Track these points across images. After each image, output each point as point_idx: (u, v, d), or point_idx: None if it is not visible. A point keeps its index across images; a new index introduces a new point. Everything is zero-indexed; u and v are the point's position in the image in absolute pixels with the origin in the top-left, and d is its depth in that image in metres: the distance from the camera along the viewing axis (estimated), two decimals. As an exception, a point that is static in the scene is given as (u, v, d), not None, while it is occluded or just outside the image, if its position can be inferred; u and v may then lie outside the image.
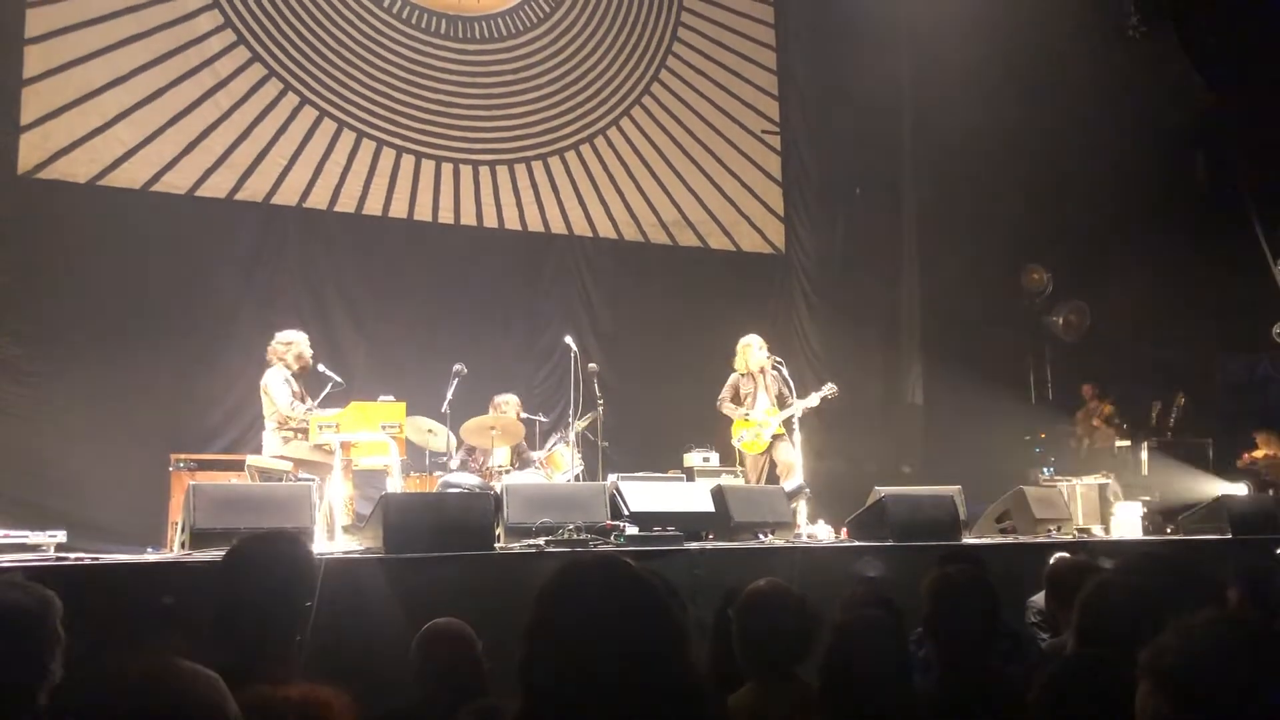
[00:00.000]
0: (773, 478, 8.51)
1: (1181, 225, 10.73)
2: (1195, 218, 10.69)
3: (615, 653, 1.55)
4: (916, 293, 12.47)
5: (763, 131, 12.09)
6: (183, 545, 5.39)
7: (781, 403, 8.63)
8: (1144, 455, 10.24)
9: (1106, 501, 9.07)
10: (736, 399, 8.74)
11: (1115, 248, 11.15)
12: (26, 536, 5.92)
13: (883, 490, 7.41)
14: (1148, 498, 9.07)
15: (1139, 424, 10.85)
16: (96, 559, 5.14)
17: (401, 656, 3.26)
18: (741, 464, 8.86)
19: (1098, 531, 8.29)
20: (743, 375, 8.74)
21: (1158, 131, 10.88)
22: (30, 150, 8.67)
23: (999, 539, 7.49)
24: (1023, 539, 7.41)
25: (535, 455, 8.74)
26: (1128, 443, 10.39)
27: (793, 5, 12.38)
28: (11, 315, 8.44)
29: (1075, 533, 7.85)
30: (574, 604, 1.61)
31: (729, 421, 8.78)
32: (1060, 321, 12.01)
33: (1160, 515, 8.70)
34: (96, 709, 1.37)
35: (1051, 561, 4.69)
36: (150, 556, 5.75)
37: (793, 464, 8.42)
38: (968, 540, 7.04)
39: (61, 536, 5.99)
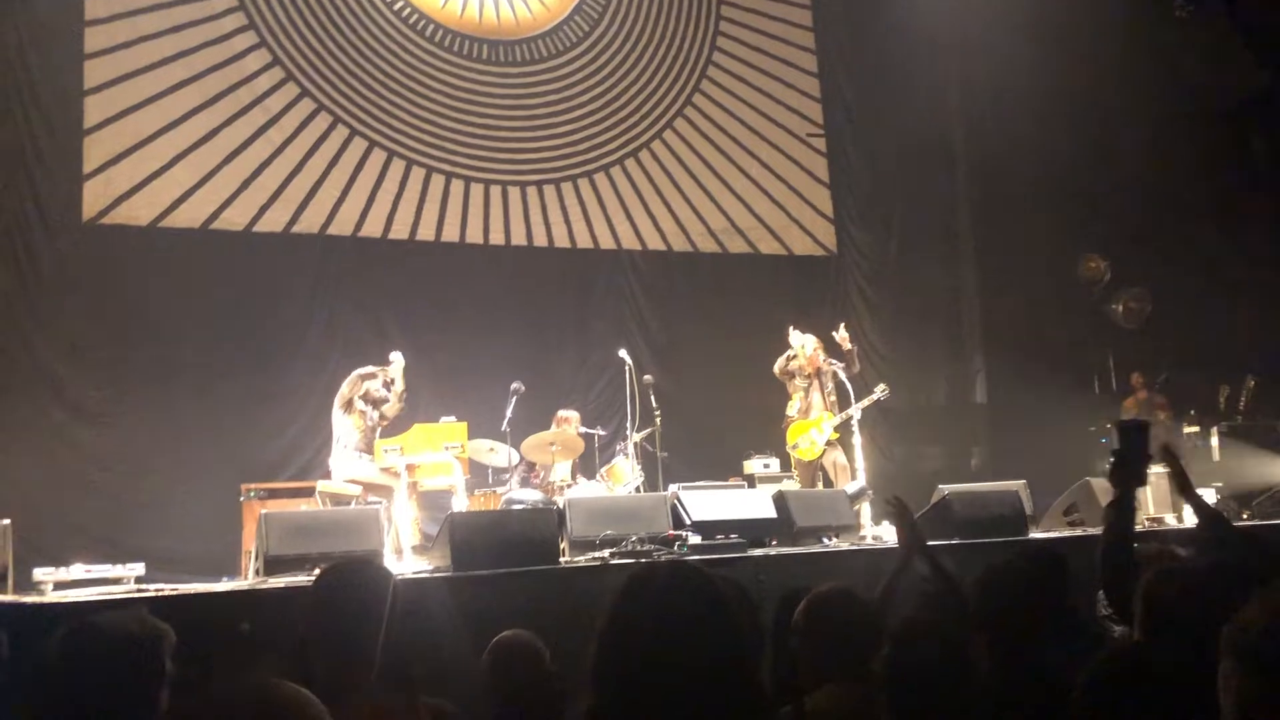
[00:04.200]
0: (827, 484, 8.47)
1: (1241, 204, 10.52)
2: (1254, 196, 10.47)
3: (683, 656, 1.58)
4: (975, 287, 12.36)
5: (807, 135, 12.08)
6: (257, 572, 5.51)
7: (835, 407, 8.60)
8: (1214, 441, 10.02)
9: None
10: (789, 378, 8.70)
11: (1174, 231, 10.96)
12: (108, 570, 6.11)
13: (946, 488, 7.34)
14: (1220, 484, 8.87)
15: (1208, 409, 10.63)
16: (175, 589, 5.27)
17: (472, 672, 3.31)
18: (794, 470, 8.81)
19: (1170, 520, 8.12)
20: (798, 373, 8.68)
21: (1212, 112, 10.69)
22: (94, 198, 8.94)
23: (1067, 532, 7.38)
24: (1091, 531, 7.30)
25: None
26: (1196, 428, 10.18)
27: (831, 6, 12.36)
28: (84, 360, 8.70)
29: (1146, 522, 7.70)
30: (645, 608, 1.65)
31: (786, 427, 8.74)
32: (1121, 309, 11.82)
33: (1234, 501, 8.51)
34: None
35: None
36: (226, 585, 5.88)
37: (847, 468, 8.38)
38: (1035, 535, 6.95)
39: (140, 569, 6.17)
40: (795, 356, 8.68)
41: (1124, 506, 3.23)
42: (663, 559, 5.47)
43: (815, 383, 8.68)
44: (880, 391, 8.60)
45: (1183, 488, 3.76)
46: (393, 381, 7.99)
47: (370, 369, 7.90)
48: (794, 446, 8.66)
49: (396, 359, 8.05)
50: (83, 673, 2.16)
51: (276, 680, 1.47)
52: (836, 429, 8.55)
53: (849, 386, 8.57)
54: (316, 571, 5.07)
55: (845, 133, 12.22)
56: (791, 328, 8.82)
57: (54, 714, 2.16)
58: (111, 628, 2.28)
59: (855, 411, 8.44)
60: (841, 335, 8.72)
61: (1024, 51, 10.93)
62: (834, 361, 8.70)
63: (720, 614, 1.65)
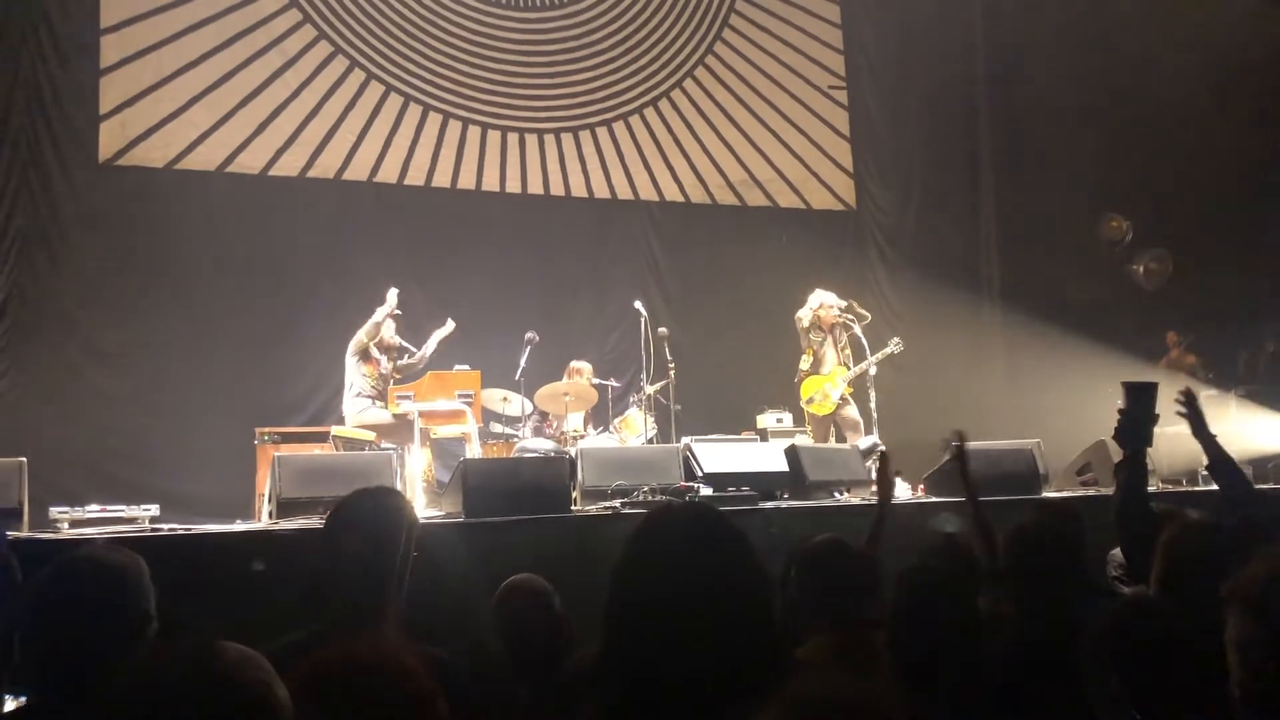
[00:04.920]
0: (840, 439, 8.45)
1: (1266, 165, 10.35)
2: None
3: (700, 596, 1.56)
4: (995, 244, 12.25)
5: (829, 87, 11.92)
6: (270, 515, 5.55)
7: (849, 362, 8.56)
8: (1231, 405, 9.96)
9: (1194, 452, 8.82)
10: (807, 341, 8.65)
11: (1198, 192, 10.79)
12: (122, 510, 6.17)
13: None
14: (1236, 447, 8.81)
15: (1226, 372, 10.55)
16: (189, 530, 5.31)
17: (483, 617, 3.33)
18: (807, 424, 8.79)
19: (1185, 483, 8.10)
20: (814, 328, 8.63)
21: (1242, 70, 10.49)
22: (110, 138, 8.91)
23: (1080, 492, 7.36)
24: (1105, 491, 7.26)
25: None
26: (1214, 392, 10.10)
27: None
28: (100, 301, 8.74)
29: (1160, 484, 7.68)
30: (662, 545, 1.63)
31: (799, 382, 8.71)
32: (1141, 270, 11.70)
33: (1250, 465, 8.46)
34: (139, 695, 1.38)
35: None
36: (239, 526, 5.93)
37: (859, 424, 8.35)
38: (1048, 494, 6.93)
39: (154, 510, 6.23)
40: (814, 327, 8.61)
41: (1136, 466, 3.20)
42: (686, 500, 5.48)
43: (829, 338, 8.63)
44: (894, 345, 8.55)
45: (1200, 434, 3.59)
46: (398, 315, 7.94)
47: (380, 314, 7.87)
48: (808, 401, 8.63)
49: (392, 296, 7.98)
50: (67, 604, 2.19)
51: (221, 640, 1.45)
52: (851, 384, 8.52)
53: (864, 341, 8.51)
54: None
55: (867, 86, 12.06)
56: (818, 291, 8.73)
57: (45, 646, 2.19)
58: (93, 557, 2.31)
59: (870, 366, 8.40)
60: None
61: (1051, 7, 10.74)
62: (848, 316, 8.64)
63: (738, 554, 1.63)
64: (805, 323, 8.63)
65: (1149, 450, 3.50)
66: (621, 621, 1.60)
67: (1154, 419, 3.32)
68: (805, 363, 8.67)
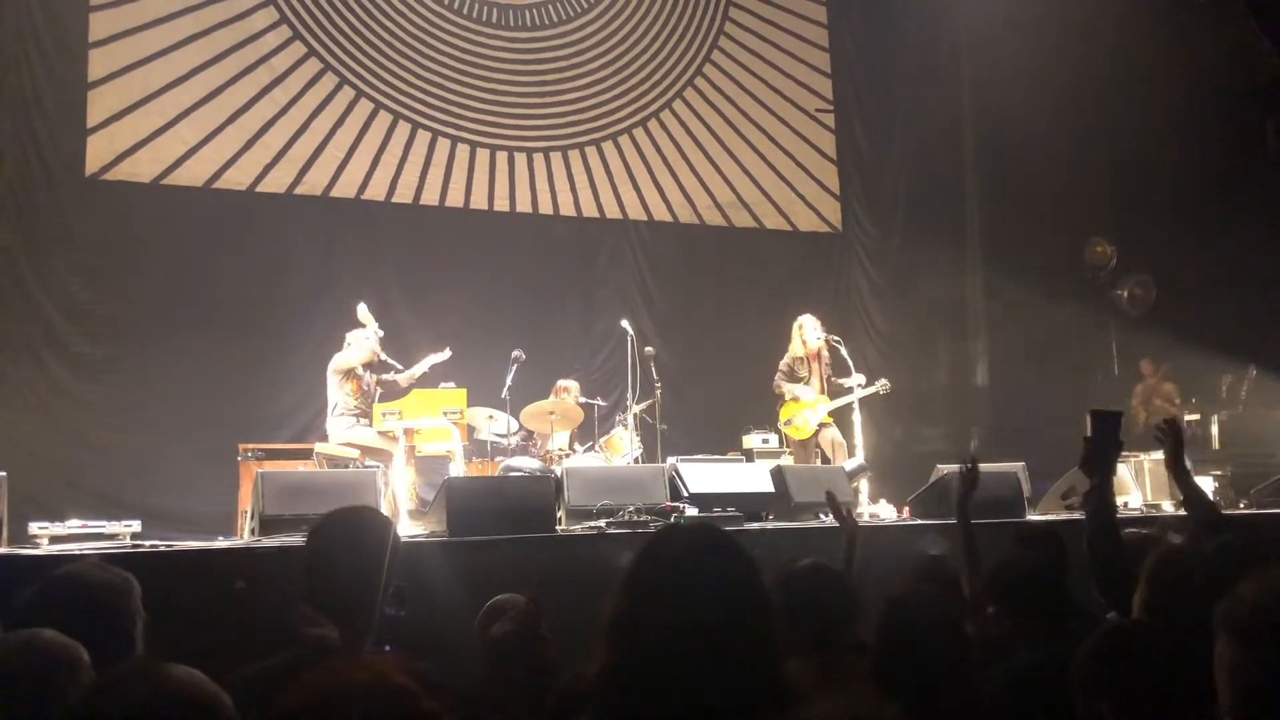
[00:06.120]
0: (825, 462, 8.44)
1: (1250, 193, 10.44)
2: (1264, 185, 10.38)
3: (708, 612, 1.57)
4: (980, 268, 12.31)
5: (816, 110, 11.99)
6: (252, 532, 5.51)
7: (833, 390, 8.55)
8: (1214, 429, 10.01)
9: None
10: (793, 378, 8.64)
11: (1182, 219, 10.88)
12: (104, 526, 6.12)
13: (944, 468, 7.33)
14: (1219, 472, 8.86)
15: (1209, 398, 10.61)
16: (170, 546, 5.27)
17: (466, 636, 3.31)
18: (788, 447, 8.78)
19: (1167, 507, 8.12)
20: (798, 358, 8.64)
21: (1224, 98, 10.59)
22: (97, 153, 8.89)
23: (1064, 515, 7.37)
24: (1090, 515, 7.27)
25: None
26: (1197, 416, 10.16)
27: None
28: (85, 315, 8.70)
29: (1143, 508, 7.71)
30: (669, 564, 1.64)
31: (780, 405, 8.71)
32: (1125, 295, 11.77)
33: (1232, 490, 8.51)
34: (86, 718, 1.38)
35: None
36: (221, 543, 5.88)
37: (844, 445, 8.35)
38: (1031, 517, 6.94)
39: (136, 526, 6.19)
40: (796, 359, 8.59)
41: (1103, 495, 3.21)
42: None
43: (814, 366, 8.62)
44: (880, 385, 8.54)
45: (1176, 465, 3.65)
46: (380, 333, 7.91)
47: (370, 340, 7.84)
48: (786, 423, 8.61)
49: (363, 314, 7.92)
50: (58, 622, 2.16)
51: (168, 663, 1.45)
52: (831, 413, 8.51)
53: (849, 361, 8.52)
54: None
55: (854, 109, 12.14)
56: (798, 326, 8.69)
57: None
58: (81, 577, 2.28)
59: (854, 396, 8.42)
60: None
61: (1038, 31, 10.84)
62: (835, 338, 8.65)
63: (745, 577, 1.63)
64: (795, 352, 8.60)
65: (1133, 475, 3.51)
66: (626, 639, 1.60)
67: (1119, 448, 3.35)
68: (788, 394, 8.65)
